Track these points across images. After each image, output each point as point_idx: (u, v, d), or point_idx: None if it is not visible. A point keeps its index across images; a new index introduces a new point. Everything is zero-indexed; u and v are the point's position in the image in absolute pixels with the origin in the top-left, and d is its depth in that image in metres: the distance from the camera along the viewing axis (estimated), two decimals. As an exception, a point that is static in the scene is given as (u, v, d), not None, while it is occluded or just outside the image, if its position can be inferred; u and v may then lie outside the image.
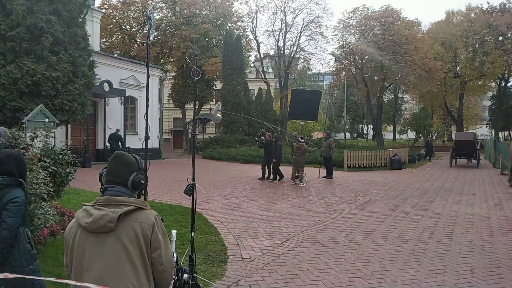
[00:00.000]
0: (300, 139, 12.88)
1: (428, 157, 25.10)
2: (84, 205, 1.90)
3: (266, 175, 13.17)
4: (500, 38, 34.50)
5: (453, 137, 43.27)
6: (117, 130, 18.07)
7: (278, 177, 12.92)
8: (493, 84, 40.09)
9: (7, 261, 2.59)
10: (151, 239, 1.81)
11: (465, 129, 42.90)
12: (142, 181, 1.95)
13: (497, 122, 40.16)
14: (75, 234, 1.82)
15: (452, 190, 11.58)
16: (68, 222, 2.38)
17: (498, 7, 34.87)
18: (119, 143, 17.59)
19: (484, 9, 35.15)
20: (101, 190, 1.95)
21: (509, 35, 34.26)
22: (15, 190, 2.66)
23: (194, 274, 2.76)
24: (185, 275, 2.45)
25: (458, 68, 37.40)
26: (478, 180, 14.27)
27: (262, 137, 13.72)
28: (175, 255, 2.19)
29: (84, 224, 1.78)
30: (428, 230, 6.67)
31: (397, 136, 50.63)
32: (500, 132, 43.47)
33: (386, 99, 45.65)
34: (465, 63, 35.74)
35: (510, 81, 40.74)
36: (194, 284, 2.70)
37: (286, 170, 13.36)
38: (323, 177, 14.08)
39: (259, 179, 13.23)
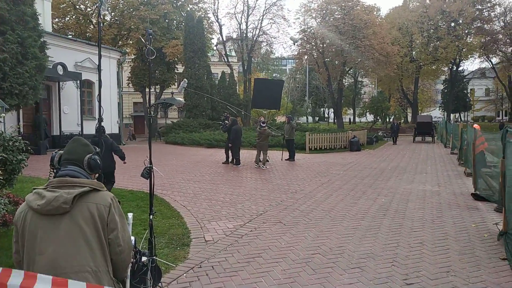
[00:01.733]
0: (262, 124, 13.00)
1: (392, 139, 24.37)
2: (35, 188, 1.84)
3: (230, 159, 13.20)
4: (452, 24, 36.09)
5: (409, 119, 45.42)
6: (38, 113, 16.67)
7: (235, 161, 12.87)
8: (446, 68, 42.06)
9: None
10: (107, 220, 1.79)
11: (420, 111, 44.94)
12: (98, 161, 1.93)
13: (449, 105, 42.39)
14: (25, 218, 1.75)
15: (406, 170, 12.18)
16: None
17: (451, -6, 36.33)
18: (43, 126, 16.38)
19: (438, -5, 36.49)
20: (54, 173, 1.90)
21: (460, 21, 35.84)
22: None
23: (154, 257, 2.75)
24: (144, 258, 2.44)
25: (413, 53, 38.85)
26: (431, 160, 15.07)
27: (226, 121, 13.67)
28: (133, 238, 2.17)
29: (35, 207, 1.72)
30: (383, 207, 7.01)
31: (357, 119, 52.23)
32: (451, 114, 45.93)
33: (346, 83, 46.84)
34: (420, 48, 37.18)
35: (461, 66, 42.95)
36: (154, 267, 2.70)
37: (250, 154, 13.43)
38: (285, 159, 14.32)
39: (223, 163, 13.26)
